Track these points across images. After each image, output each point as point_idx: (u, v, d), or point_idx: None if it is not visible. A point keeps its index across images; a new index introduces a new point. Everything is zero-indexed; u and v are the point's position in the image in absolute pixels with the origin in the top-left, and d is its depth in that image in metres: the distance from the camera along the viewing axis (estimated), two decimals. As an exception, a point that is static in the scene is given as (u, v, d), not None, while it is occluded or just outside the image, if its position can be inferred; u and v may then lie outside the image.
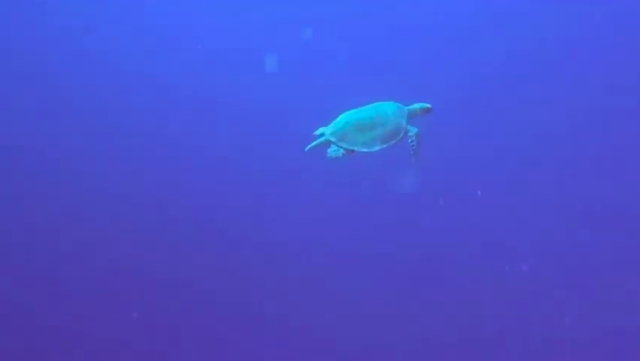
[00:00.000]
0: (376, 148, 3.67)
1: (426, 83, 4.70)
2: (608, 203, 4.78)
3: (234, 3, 5.06)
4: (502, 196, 4.82)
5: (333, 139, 3.66)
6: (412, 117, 3.81)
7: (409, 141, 3.73)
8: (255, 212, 4.76)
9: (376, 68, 4.41)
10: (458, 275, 4.67)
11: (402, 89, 4.01)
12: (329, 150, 3.68)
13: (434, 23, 4.95)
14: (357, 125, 3.66)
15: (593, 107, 4.90)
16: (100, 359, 4.59)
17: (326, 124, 3.79)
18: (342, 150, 3.66)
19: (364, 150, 3.66)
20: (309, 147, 3.75)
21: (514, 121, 4.85)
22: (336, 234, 4.71)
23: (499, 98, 4.91)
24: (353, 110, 3.76)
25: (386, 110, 3.72)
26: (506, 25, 5.00)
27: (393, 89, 3.96)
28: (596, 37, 4.94)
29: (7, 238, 4.79)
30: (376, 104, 3.79)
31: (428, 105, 3.85)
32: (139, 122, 4.98)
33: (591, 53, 4.94)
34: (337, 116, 3.78)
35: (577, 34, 4.99)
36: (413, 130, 3.75)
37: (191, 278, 4.79)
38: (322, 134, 3.73)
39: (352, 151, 3.67)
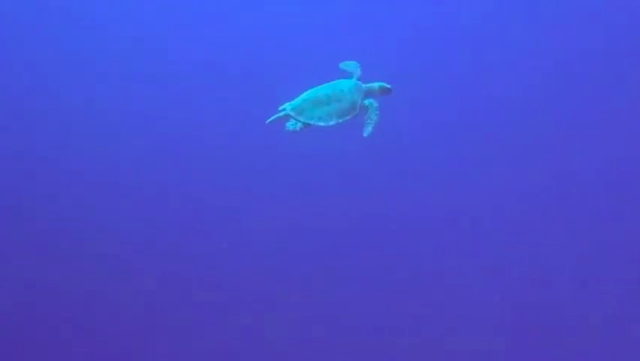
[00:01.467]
0: (332, 122, 3.92)
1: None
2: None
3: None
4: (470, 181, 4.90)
5: (291, 113, 3.92)
6: (370, 95, 4.04)
7: (365, 115, 3.95)
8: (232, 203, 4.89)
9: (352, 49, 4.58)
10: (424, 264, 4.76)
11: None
12: (287, 124, 3.94)
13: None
14: (314, 100, 3.92)
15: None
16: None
17: (290, 100, 4.06)
18: (299, 124, 3.92)
19: (321, 123, 3.91)
20: (269, 119, 4.02)
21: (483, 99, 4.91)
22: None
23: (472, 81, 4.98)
24: (314, 88, 4.01)
25: (343, 87, 3.95)
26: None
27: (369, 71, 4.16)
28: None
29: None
30: (335, 81, 4.03)
31: (388, 85, 4.07)
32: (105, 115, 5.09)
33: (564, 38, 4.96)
34: (300, 94, 4.04)
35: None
36: (371, 103, 3.96)
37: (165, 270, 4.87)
38: (284, 109, 3.99)
39: (309, 125, 3.92)
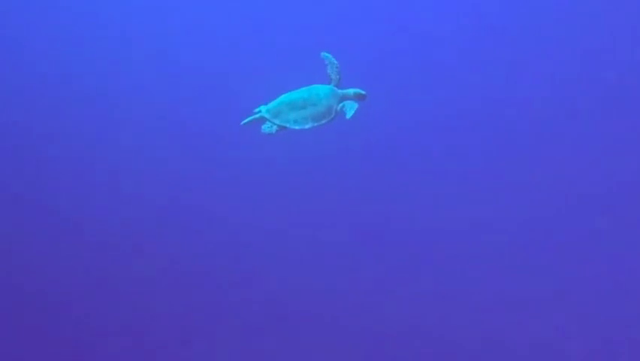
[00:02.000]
0: (307, 126, 3.94)
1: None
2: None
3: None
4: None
5: (267, 115, 3.92)
6: (345, 100, 4.09)
7: (345, 109, 4.01)
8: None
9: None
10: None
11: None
12: (263, 126, 3.94)
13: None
14: (290, 103, 3.93)
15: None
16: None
17: (266, 103, 4.06)
18: (275, 127, 3.92)
19: (296, 127, 3.93)
20: (244, 121, 4.00)
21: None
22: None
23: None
24: (290, 92, 4.02)
25: (319, 92, 3.99)
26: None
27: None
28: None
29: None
30: (311, 86, 4.06)
31: (362, 92, 4.14)
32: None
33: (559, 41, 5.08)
34: (276, 97, 4.05)
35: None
36: (348, 103, 4.02)
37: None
38: (259, 111, 3.99)
39: (285, 128, 3.93)
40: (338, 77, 4.10)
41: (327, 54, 4.11)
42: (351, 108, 3.99)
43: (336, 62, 4.09)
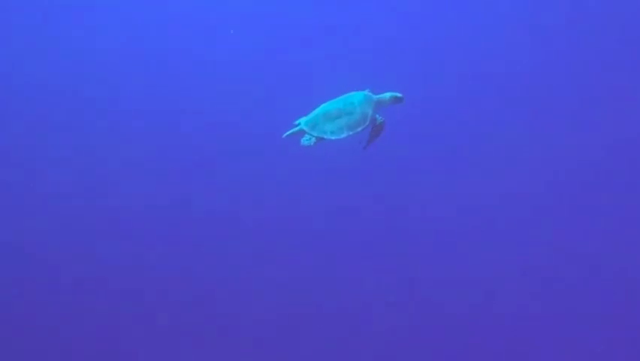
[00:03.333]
0: (343, 135, 4.06)
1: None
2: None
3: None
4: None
5: (305, 128, 4.10)
6: (381, 106, 4.14)
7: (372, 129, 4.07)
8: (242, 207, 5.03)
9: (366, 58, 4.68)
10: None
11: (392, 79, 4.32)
12: (302, 139, 4.12)
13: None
14: (326, 115, 4.06)
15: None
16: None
17: (306, 114, 4.24)
18: (313, 138, 4.08)
19: (333, 137, 4.06)
20: (285, 134, 4.21)
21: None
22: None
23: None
24: (327, 102, 4.15)
25: (353, 100, 4.07)
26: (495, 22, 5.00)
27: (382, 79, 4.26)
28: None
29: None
30: (347, 94, 4.15)
31: (399, 95, 4.15)
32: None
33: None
34: (315, 108, 4.21)
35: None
36: (379, 119, 4.08)
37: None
38: (299, 124, 4.17)
39: (322, 139, 4.08)
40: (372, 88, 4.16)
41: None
42: (371, 138, 4.06)
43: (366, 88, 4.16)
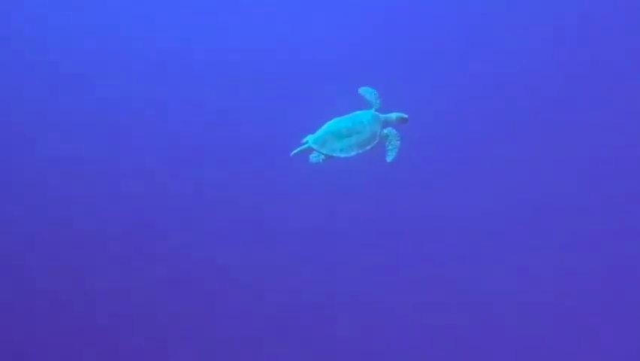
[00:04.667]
0: (353, 153, 4.13)
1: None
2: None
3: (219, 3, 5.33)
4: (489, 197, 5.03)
5: (314, 146, 4.14)
6: (388, 125, 4.25)
7: (386, 142, 4.18)
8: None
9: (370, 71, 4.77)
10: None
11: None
12: (311, 156, 4.16)
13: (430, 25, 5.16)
14: (336, 133, 4.13)
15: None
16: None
17: (313, 131, 4.28)
18: (322, 156, 4.14)
19: (342, 155, 4.13)
20: (294, 152, 4.24)
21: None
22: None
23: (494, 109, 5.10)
24: (334, 120, 4.22)
25: (362, 119, 4.16)
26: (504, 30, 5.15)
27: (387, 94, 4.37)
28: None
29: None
30: (354, 113, 4.23)
31: (404, 115, 4.27)
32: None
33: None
34: (322, 125, 4.26)
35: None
36: (390, 131, 4.18)
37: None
38: (307, 142, 4.21)
39: (332, 157, 4.14)
40: (378, 101, 4.26)
41: (364, 88, 4.30)
42: (392, 150, 4.16)
43: (374, 90, 4.26)
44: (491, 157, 4.96)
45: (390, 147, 4.20)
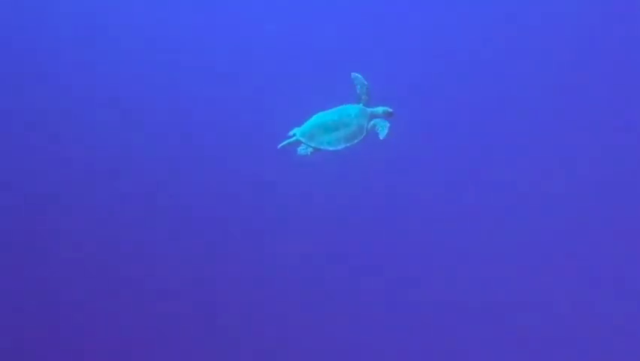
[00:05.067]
0: (340, 147, 4.17)
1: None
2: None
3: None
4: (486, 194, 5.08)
5: (302, 139, 4.16)
6: (374, 118, 4.30)
7: (376, 127, 4.20)
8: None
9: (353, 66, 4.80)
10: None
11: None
12: (299, 149, 4.18)
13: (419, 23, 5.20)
14: (323, 126, 4.15)
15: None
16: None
17: (299, 124, 4.29)
18: (310, 149, 4.15)
19: (330, 148, 4.16)
20: (281, 144, 4.24)
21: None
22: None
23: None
24: (321, 113, 4.24)
25: (349, 113, 4.19)
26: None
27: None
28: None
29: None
30: (342, 107, 4.26)
31: (390, 110, 4.33)
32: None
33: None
34: (309, 118, 4.27)
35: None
36: (378, 121, 4.21)
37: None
38: (294, 135, 4.22)
39: (319, 149, 4.16)
40: (367, 97, 4.30)
41: (357, 75, 4.30)
42: (383, 128, 4.18)
43: (366, 82, 4.28)
44: (485, 153, 5.05)
45: (380, 128, 4.21)
